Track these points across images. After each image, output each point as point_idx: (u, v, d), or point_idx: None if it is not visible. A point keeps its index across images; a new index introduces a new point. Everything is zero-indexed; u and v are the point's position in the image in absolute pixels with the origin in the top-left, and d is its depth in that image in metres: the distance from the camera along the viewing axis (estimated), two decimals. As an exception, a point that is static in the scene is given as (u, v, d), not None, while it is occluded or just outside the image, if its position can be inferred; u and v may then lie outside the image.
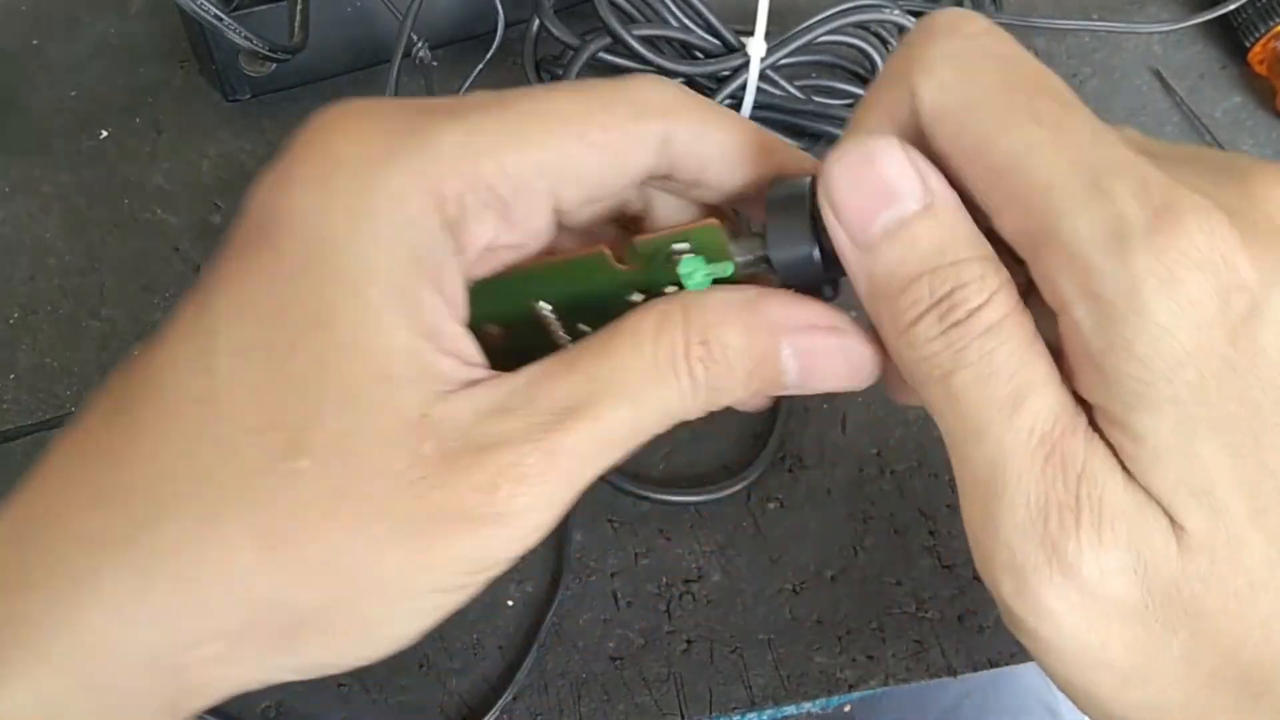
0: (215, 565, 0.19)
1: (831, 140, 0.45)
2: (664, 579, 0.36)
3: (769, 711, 0.35)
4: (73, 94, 0.45)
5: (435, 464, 0.19)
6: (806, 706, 0.35)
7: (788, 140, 0.24)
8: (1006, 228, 0.19)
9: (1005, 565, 0.19)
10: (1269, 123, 0.47)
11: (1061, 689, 0.21)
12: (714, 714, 0.34)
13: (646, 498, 0.36)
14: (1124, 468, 0.19)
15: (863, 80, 0.45)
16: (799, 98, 0.43)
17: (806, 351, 0.21)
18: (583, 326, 0.23)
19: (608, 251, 0.23)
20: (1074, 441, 0.19)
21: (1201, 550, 0.19)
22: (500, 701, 0.33)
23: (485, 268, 0.22)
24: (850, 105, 0.44)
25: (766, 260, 0.22)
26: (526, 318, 0.23)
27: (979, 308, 0.19)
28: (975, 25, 0.20)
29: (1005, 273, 0.20)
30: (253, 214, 0.20)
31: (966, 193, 0.20)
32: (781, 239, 0.21)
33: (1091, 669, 0.20)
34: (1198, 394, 0.18)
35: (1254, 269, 0.18)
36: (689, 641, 0.35)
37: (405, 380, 0.20)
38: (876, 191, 0.19)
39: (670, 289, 0.22)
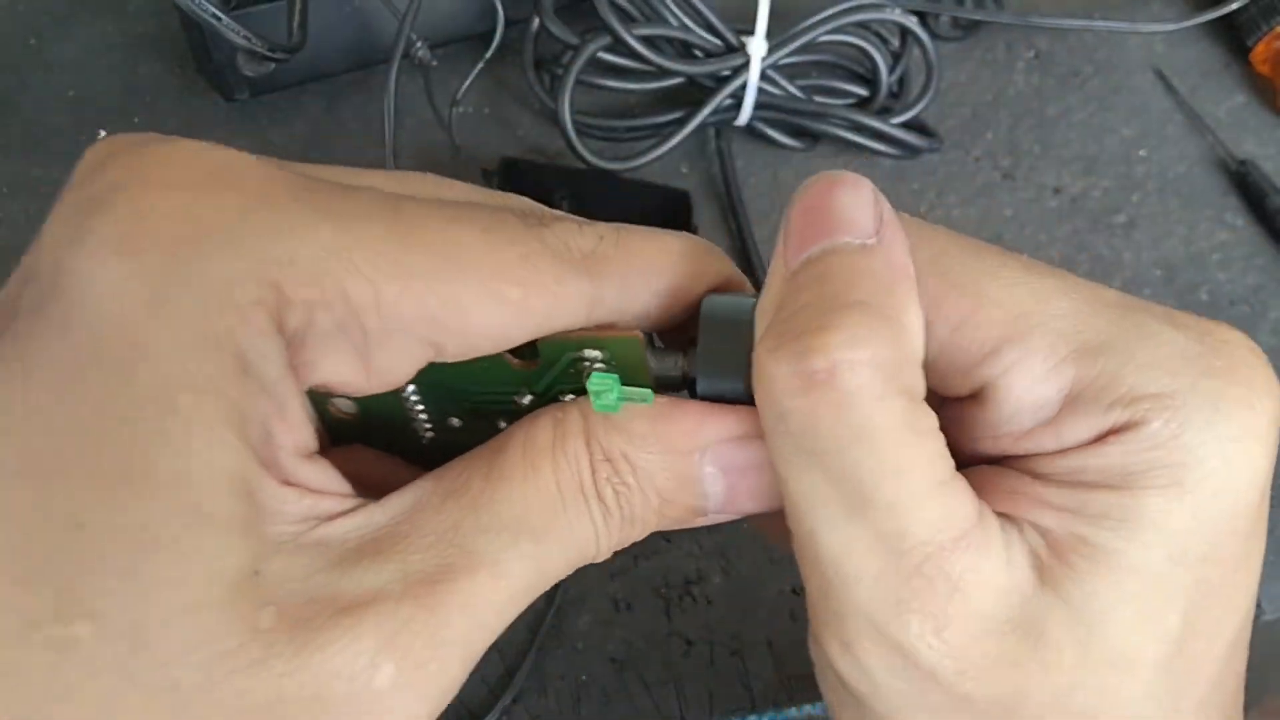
0: None
1: (831, 140, 0.45)
2: (664, 581, 0.36)
3: (769, 714, 0.35)
4: (71, 94, 0.45)
5: (277, 640, 0.14)
6: (807, 709, 0.35)
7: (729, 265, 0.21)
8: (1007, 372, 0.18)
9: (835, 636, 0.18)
10: (1271, 122, 0.46)
11: None
12: (714, 716, 0.34)
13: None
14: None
15: (864, 80, 0.45)
16: (799, 97, 0.43)
17: (733, 469, 0.18)
18: (453, 420, 0.20)
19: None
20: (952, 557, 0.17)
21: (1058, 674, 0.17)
22: (499, 704, 0.33)
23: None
24: (851, 105, 0.44)
25: (688, 384, 0.19)
26: (385, 397, 0.19)
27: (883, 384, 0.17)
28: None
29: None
30: (36, 276, 0.15)
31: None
32: (714, 365, 0.19)
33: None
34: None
35: None
36: (689, 643, 0.35)
37: (231, 522, 0.15)
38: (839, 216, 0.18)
39: (568, 398, 0.19)
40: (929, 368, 0.17)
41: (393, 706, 0.15)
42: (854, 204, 0.17)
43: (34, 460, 0.14)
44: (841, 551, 0.17)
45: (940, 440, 0.17)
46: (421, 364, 0.17)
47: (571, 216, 0.19)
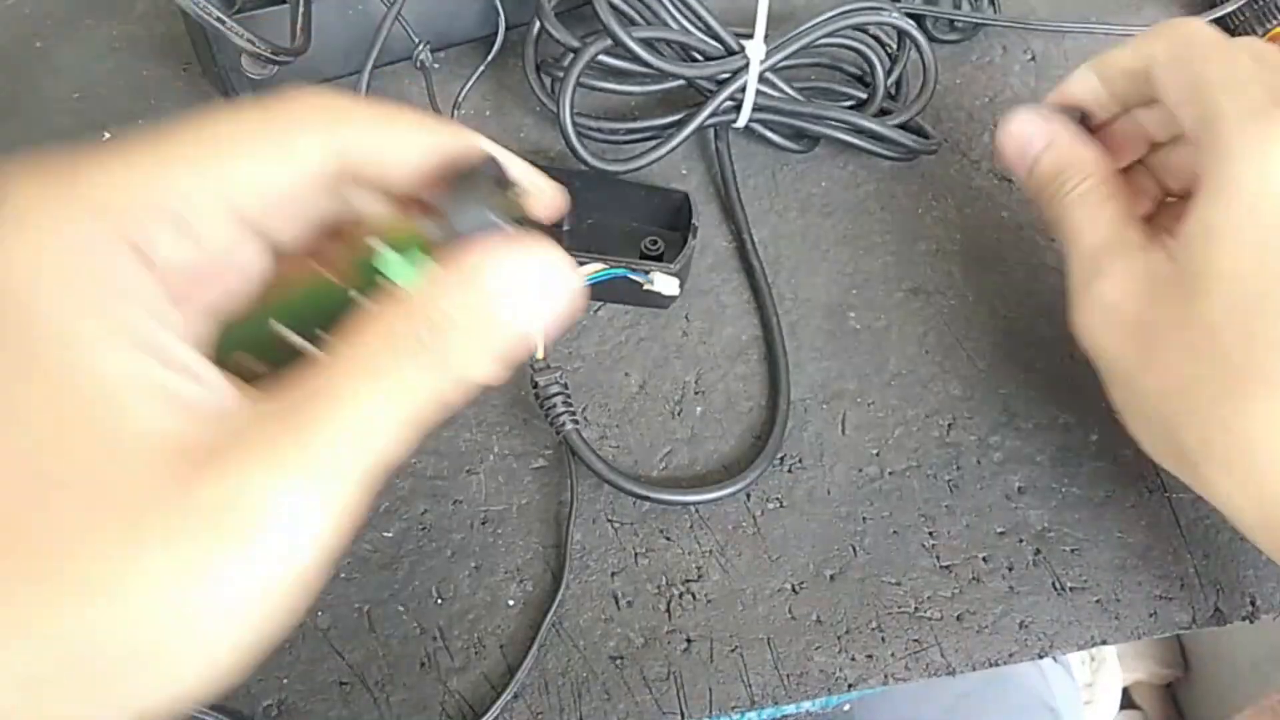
0: None
1: (829, 142, 0.45)
2: (664, 579, 0.36)
3: (769, 710, 0.35)
4: (76, 96, 0.45)
5: (193, 469, 0.19)
6: (806, 706, 0.35)
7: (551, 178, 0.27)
8: (1186, 117, 0.32)
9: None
10: (1266, 124, 0.47)
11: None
12: (714, 713, 0.34)
13: (646, 498, 0.36)
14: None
15: (862, 82, 0.45)
16: (798, 99, 0.43)
17: (514, 281, 0.22)
18: (322, 334, 0.24)
19: (316, 265, 0.24)
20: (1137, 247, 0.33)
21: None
22: (501, 700, 0.33)
23: (206, 300, 0.23)
24: (848, 107, 0.44)
25: (457, 234, 0.23)
26: (272, 343, 0.24)
27: (1073, 188, 0.35)
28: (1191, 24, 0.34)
29: (1103, 169, 0.35)
30: None
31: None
32: (463, 213, 0.23)
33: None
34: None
35: None
36: (689, 641, 0.35)
37: (141, 402, 0.19)
38: (1020, 144, 0.37)
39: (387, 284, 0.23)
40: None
41: (282, 514, 0.19)
42: (1032, 130, 0.37)
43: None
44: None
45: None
46: (233, 224, 0.22)
47: (319, 89, 0.23)
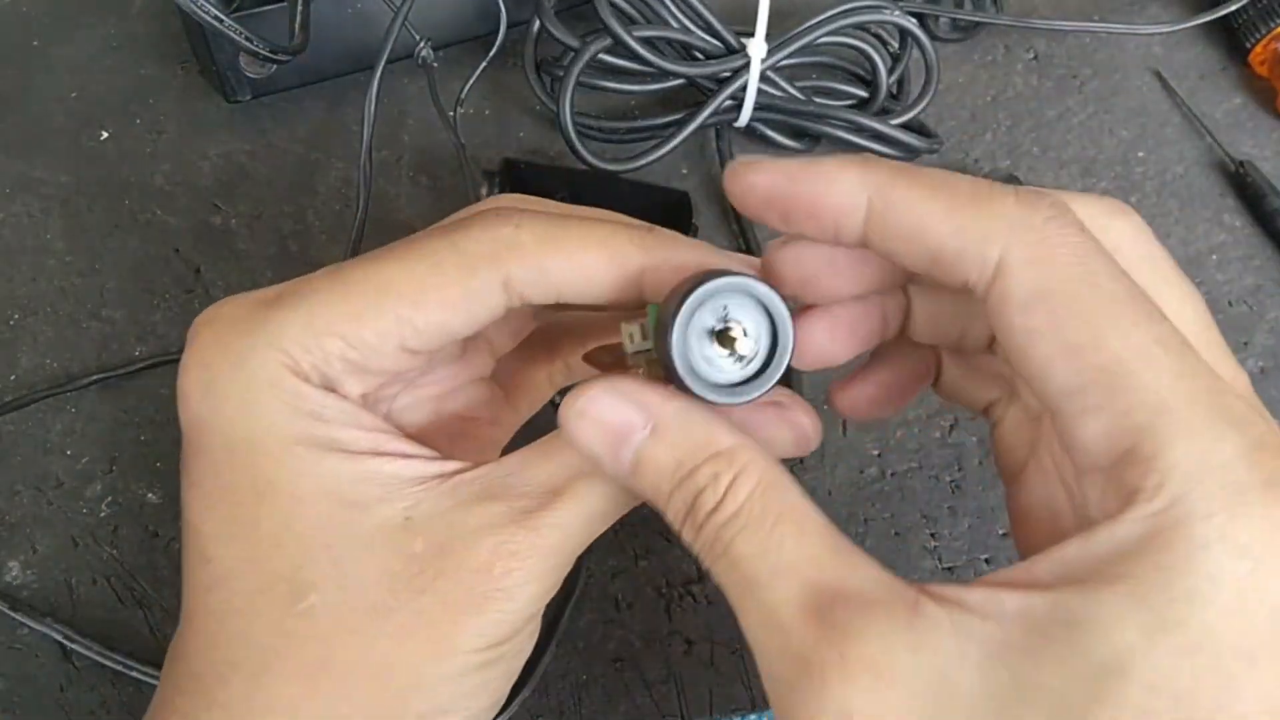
0: (268, 711, 0.22)
1: (831, 141, 0.45)
2: (664, 580, 0.36)
3: (769, 712, 0.35)
4: (74, 95, 0.45)
5: (429, 558, 0.22)
6: (807, 708, 0.35)
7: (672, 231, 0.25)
8: (1084, 413, 0.19)
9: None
10: (1269, 124, 0.47)
11: None
12: (714, 715, 0.34)
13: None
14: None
15: (863, 81, 0.45)
16: (799, 98, 0.43)
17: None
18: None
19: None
20: (844, 607, 0.19)
21: None
22: (508, 711, 0.33)
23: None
24: (850, 106, 0.44)
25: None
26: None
27: (715, 508, 0.21)
28: (1053, 208, 0.20)
29: (746, 452, 0.21)
30: (183, 426, 0.24)
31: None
32: (669, 356, 0.21)
33: None
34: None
35: None
36: (689, 642, 0.35)
37: (372, 499, 0.22)
38: (609, 436, 0.22)
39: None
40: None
41: (511, 590, 0.22)
42: (618, 412, 0.22)
43: (232, 518, 0.23)
44: None
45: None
46: (402, 356, 0.23)
47: (498, 209, 0.24)
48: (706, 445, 0.21)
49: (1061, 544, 0.19)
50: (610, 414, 0.22)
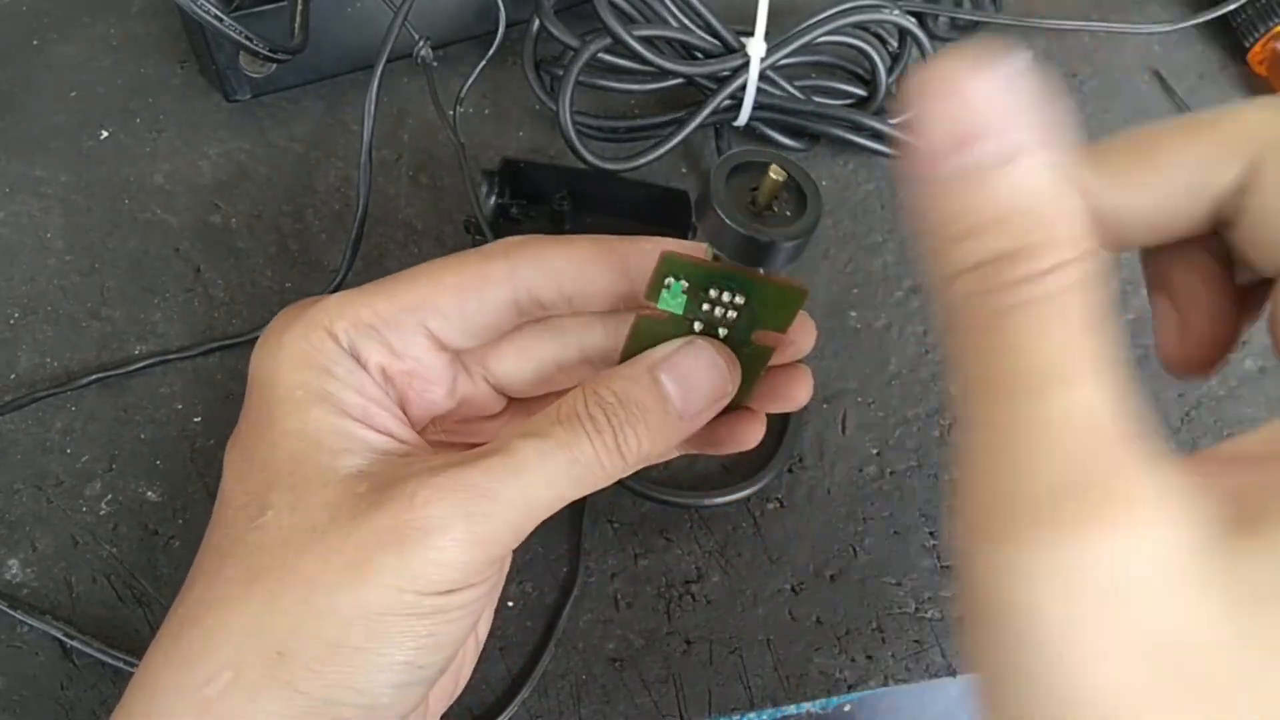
0: (216, 607, 0.24)
1: (832, 139, 0.45)
2: (664, 580, 0.36)
3: (768, 712, 0.35)
4: (73, 94, 0.45)
5: (369, 496, 0.24)
6: (806, 707, 0.35)
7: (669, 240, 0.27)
8: None
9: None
10: (1269, 123, 0.47)
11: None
12: (714, 715, 0.34)
13: (665, 501, 0.36)
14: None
15: (862, 80, 0.45)
16: (799, 98, 0.43)
17: (681, 372, 0.26)
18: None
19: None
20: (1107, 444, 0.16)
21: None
22: (508, 710, 0.33)
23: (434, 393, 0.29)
24: (849, 105, 0.44)
25: (716, 255, 0.25)
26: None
27: (1036, 276, 0.16)
28: None
29: (1084, 243, 0.17)
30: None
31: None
32: (709, 233, 0.24)
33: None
34: None
35: None
36: (689, 642, 0.35)
37: (340, 448, 0.25)
38: (968, 122, 0.17)
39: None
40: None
41: (431, 527, 0.23)
42: (1001, 109, 0.17)
43: (248, 449, 0.26)
44: None
45: None
46: (426, 339, 0.27)
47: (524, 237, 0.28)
48: (1063, 202, 0.17)
49: None
50: (993, 104, 0.17)
